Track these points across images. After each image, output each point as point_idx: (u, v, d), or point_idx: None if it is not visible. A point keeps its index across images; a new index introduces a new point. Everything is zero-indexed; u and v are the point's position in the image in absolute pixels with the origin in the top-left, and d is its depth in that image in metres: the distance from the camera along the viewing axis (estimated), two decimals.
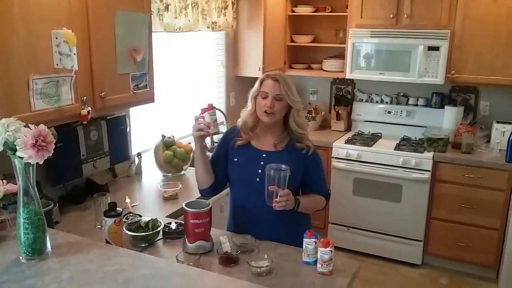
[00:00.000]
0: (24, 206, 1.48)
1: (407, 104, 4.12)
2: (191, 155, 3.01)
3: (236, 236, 2.00)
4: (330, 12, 4.13)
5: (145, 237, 1.96)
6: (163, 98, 3.14)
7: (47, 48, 1.91)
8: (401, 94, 4.17)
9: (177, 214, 2.36)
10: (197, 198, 2.18)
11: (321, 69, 4.28)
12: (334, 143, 3.88)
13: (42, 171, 2.19)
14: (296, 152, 2.06)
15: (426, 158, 3.58)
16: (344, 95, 4.45)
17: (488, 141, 3.68)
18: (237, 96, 4.19)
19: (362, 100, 4.32)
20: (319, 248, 1.75)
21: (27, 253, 1.49)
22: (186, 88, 3.62)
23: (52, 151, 1.45)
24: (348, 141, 3.92)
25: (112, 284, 1.36)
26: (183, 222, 1.98)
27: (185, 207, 1.89)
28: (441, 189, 3.59)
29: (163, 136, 3.05)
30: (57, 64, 1.94)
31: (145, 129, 3.19)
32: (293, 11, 4.23)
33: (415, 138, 3.99)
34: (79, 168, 2.46)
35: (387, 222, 3.78)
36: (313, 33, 4.33)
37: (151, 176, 2.97)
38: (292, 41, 4.32)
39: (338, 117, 4.30)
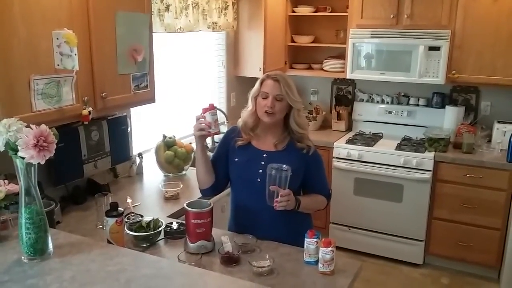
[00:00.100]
0: (25, 206, 1.48)
1: (408, 104, 4.12)
2: (192, 155, 3.01)
3: (237, 236, 2.00)
4: (330, 12, 4.13)
5: (146, 237, 1.97)
6: (164, 98, 3.14)
7: (48, 48, 1.91)
8: (402, 94, 4.16)
9: (178, 214, 2.36)
10: (198, 198, 2.19)
11: (322, 69, 4.28)
12: (335, 143, 3.88)
13: (43, 171, 2.19)
14: (297, 152, 2.06)
15: (427, 158, 3.58)
16: (344, 95, 4.45)
17: (489, 141, 3.67)
18: (238, 96, 4.19)
19: (363, 100, 4.31)
20: (320, 248, 1.75)
21: (29, 253, 1.49)
22: (187, 88, 3.62)
23: (54, 152, 1.45)
24: (349, 141, 3.92)
25: (114, 284, 1.36)
26: (184, 222, 1.98)
27: (186, 207, 1.90)
28: (442, 189, 3.59)
29: (164, 136, 3.05)
30: (58, 65, 1.94)
31: (146, 129, 3.20)
32: (293, 11, 4.24)
33: (416, 138, 3.99)
34: (81, 168, 2.47)
35: (388, 222, 3.78)
36: (313, 33, 4.33)
37: (152, 176, 2.98)
38: (293, 41, 4.32)
39: (339, 117, 4.30)
